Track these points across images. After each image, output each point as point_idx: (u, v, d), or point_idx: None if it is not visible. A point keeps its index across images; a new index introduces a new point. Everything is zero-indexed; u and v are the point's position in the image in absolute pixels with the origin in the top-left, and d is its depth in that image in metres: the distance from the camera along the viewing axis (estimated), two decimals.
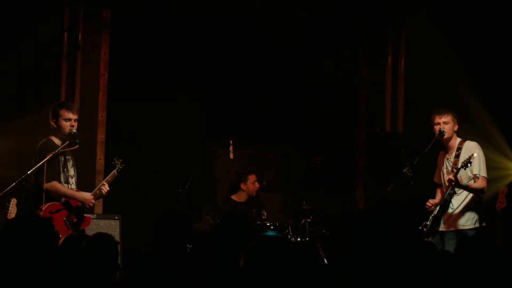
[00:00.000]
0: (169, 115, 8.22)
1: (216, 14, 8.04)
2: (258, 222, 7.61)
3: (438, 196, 6.84)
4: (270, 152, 9.08)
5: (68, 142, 6.22)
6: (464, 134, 6.81)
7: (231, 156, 7.92)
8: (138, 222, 7.15)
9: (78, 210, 6.28)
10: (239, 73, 8.55)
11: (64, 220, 6.15)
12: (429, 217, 6.64)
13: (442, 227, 6.62)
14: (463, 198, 6.60)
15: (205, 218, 7.91)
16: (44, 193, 6.06)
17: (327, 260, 7.24)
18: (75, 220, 6.23)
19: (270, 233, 7.39)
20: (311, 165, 8.24)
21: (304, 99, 8.69)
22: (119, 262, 4.11)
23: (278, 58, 8.44)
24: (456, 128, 6.73)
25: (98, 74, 7.94)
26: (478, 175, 6.54)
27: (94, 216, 6.93)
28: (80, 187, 6.52)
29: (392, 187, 6.67)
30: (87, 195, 6.36)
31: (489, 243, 3.45)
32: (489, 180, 6.70)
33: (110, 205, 7.65)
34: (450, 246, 6.35)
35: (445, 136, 6.66)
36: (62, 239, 4.40)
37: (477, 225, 6.57)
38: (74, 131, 6.25)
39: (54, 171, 6.19)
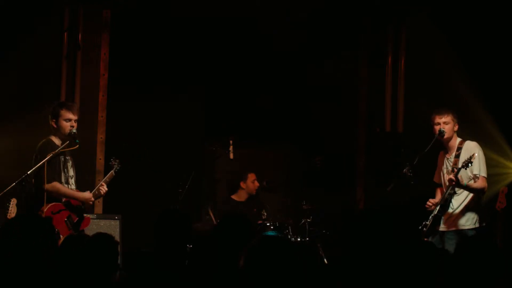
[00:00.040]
0: (169, 115, 8.22)
1: (216, 14, 8.04)
2: (259, 222, 7.61)
3: (438, 196, 6.84)
4: (270, 152, 9.08)
5: (68, 142, 6.22)
6: (464, 134, 6.82)
7: (231, 156, 7.92)
8: (138, 222, 7.15)
9: (78, 211, 6.29)
10: (239, 73, 8.55)
11: (65, 221, 6.16)
12: (429, 217, 6.65)
13: (442, 227, 6.62)
14: (463, 198, 6.60)
15: (205, 218, 7.91)
16: (45, 194, 6.07)
17: (327, 260, 7.24)
18: (75, 220, 6.25)
19: (270, 233, 7.38)
20: (311, 165, 8.24)
21: (304, 99, 8.69)
22: (119, 262, 4.12)
23: (278, 58, 8.44)
24: (456, 128, 6.73)
25: (98, 74, 7.94)
26: (478, 175, 6.54)
27: (94, 216, 6.94)
28: (80, 187, 6.52)
29: (392, 187, 6.67)
30: (87, 195, 6.37)
31: (489, 243, 3.45)
32: (489, 180, 6.70)
33: (110, 205, 7.66)
34: (450, 246, 6.34)
35: (445, 136, 6.66)
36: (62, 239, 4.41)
37: (477, 225, 6.57)
38: (74, 131, 6.25)
39: (55, 171, 6.19)
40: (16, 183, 5.86)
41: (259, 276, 2.92)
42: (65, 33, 7.70)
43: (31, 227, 3.67)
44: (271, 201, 8.33)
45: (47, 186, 6.09)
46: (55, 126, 6.30)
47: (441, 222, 6.61)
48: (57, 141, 6.28)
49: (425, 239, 6.48)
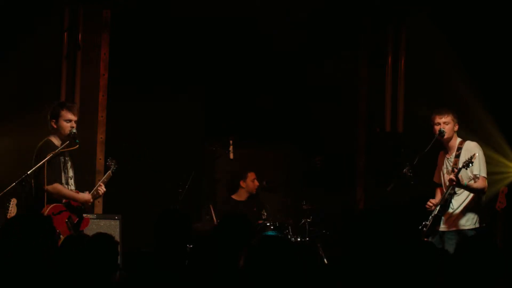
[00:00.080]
0: (169, 115, 8.22)
1: (216, 14, 8.04)
2: (260, 221, 7.61)
3: (438, 196, 6.84)
4: (270, 152, 9.07)
5: (68, 142, 6.21)
6: (464, 134, 6.82)
7: (231, 156, 7.92)
8: (138, 222, 7.15)
9: (78, 211, 6.29)
10: (239, 73, 8.55)
11: (66, 222, 6.15)
12: (429, 217, 6.65)
13: (442, 227, 6.62)
14: (464, 199, 6.59)
15: (205, 218, 7.91)
16: (45, 194, 6.06)
17: (327, 260, 7.24)
18: (75, 221, 6.24)
19: (270, 233, 7.39)
20: (311, 165, 8.24)
21: (304, 99, 8.69)
22: (119, 262, 4.12)
23: (278, 58, 8.44)
24: (456, 128, 6.73)
25: (98, 74, 7.94)
26: (478, 176, 6.53)
27: (94, 216, 6.94)
28: (80, 187, 6.52)
29: (392, 187, 6.67)
30: (87, 197, 6.37)
31: (489, 243, 3.45)
32: (489, 180, 6.70)
33: (110, 205, 7.66)
34: (450, 246, 6.35)
35: (445, 136, 6.66)
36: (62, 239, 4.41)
37: (477, 225, 6.56)
38: (74, 131, 6.24)
39: (56, 172, 6.19)
40: (16, 183, 5.85)
41: (259, 276, 2.92)
42: (65, 33, 7.70)
43: (31, 226, 3.67)
44: (271, 201, 8.33)
45: (49, 187, 6.09)
46: (55, 126, 6.29)
47: (441, 222, 6.61)
48: (56, 141, 6.27)
49: (425, 239, 6.48)
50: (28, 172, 5.92)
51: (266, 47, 8.32)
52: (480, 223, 6.57)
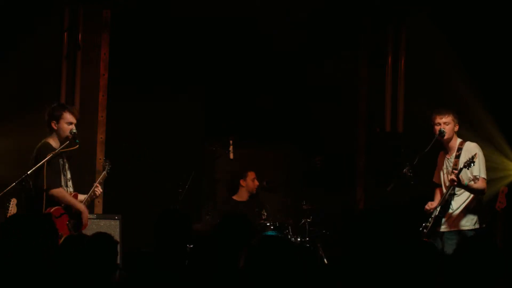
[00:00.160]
0: (169, 115, 8.22)
1: (216, 14, 8.03)
2: (261, 221, 7.61)
3: (437, 196, 6.84)
4: (270, 152, 9.07)
5: (68, 142, 6.20)
6: (464, 134, 6.81)
7: (231, 156, 7.92)
8: (138, 222, 7.15)
9: (77, 214, 6.27)
10: (239, 73, 8.54)
11: (67, 224, 6.15)
12: (429, 218, 6.64)
13: (442, 228, 6.62)
14: (464, 199, 6.59)
15: (205, 218, 7.91)
16: (44, 195, 6.04)
17: (327, 260, 7.24)
18: (76, 223, 6.23)
19: (270, 233, 7.38)
20: (311, 165, 8.24)
21: (304, 99, 8.69)
22: (119, 262, 4.12)
23: (278, 58, 8.44)
24: (456, 128, 6.72)
25: (98, 74, 7.94)
26: (478, 177, 6.53)
27: (94, 216, 6.94)
28: (80, 187, 6.51)
29: (392, 187, 6.67)
30: (83, 209, 6.27)
31: (489, 243, 3.45)
32: (489, 180, 6.69)
33: (110, 205, 7.66)
34: (450, 246, 6.34)
35: (445, 137, 6.65)
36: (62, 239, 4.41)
37: (477, 226, 6.56)
38: (74, 131, 6.23)
39: (58, 175, 6.17)
40: (16, 183, 5.84)
41: (259, 276, 2.92)
42: (65, 33, 7.70)
43: (31, 226, 3.66)
44: (271, 201, 8.33)
45: (53, 191, 6.06)
46: (55, 127, 6.25)
47: (442, 222, 6.61)
48: (54, 143, 6.21)
49: (425, 239, 6.48)
50: (28, 172, 5.91)
51: (266, 47, 8.32)
52: (480, 223, 6.57)
